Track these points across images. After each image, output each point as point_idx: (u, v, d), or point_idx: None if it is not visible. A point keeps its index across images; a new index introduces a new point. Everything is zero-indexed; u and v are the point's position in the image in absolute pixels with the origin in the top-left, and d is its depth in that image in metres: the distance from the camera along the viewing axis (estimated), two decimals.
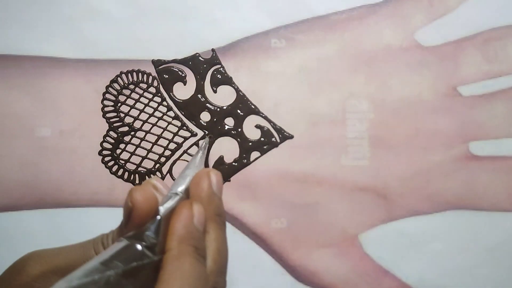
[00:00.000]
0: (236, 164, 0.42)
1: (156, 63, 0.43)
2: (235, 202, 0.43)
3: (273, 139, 0.43)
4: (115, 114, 0.42)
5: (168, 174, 0.42)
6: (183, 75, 0.42)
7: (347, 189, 0.44)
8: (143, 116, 0.42)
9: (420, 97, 0.43)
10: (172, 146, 0.42)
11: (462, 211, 0.45)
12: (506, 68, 0.44)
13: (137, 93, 0.42)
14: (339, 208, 0.44)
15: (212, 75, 0.42)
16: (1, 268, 0.26)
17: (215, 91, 0.42)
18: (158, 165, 0.42)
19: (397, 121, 0.43)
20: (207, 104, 0.42)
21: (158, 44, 0.44)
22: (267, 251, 0.46)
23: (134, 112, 0.42)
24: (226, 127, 0.42)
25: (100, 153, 0.41)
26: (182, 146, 0.42)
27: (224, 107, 0.42)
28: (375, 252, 0.46)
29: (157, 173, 0.42)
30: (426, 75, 0.43)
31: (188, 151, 0.42)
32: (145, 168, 0.42)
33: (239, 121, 0.42)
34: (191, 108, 0.42)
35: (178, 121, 0.42)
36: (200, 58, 0.43)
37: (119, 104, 0.42)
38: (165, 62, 0.43)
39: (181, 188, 0.26)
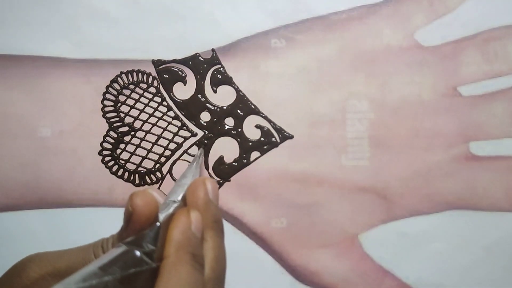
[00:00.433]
0: (236, 164, 0.42)
1: (156, 63, 0.43)
2: (235, 202, 0.43)
3: (273, 139, 0.43)
4: (115, 114, 0.42)
5: (168, 174, 0.42)
6: (183, 75, 0.42)
7: (347, 189, 0.44)
8: (143, 116, 0.42)
9: (420, 97, 0.43)
10: (172, 146, 0.42)
11: (462, 211, 0.45)
12: (506, 68, 0.44)
13: (137, 93, 0.42)
14: (339, 208, 0.44)
15: (212, 75, 0.42)
16: (1, 267, 0.26)
17: (215, 91, 0.42)
18: (158, 165, 0.42)
19: (397, 121, 0.43)
20: (207, 104, 0.42)
21: (158, 44, 0.44)
22: (267, 251, 0.46)
23: (134, 112, 0.42)
24: (226, 127, 0.42)
25: (100, 153, 0.41)
26: (182, 146, 0.42)
27: (224, 107, 0.42)
28: (375, 252, 0.46)
29: (157, 173, 0.42)
30: (426, 75, 0.43)
31: (188, 151, 0.42)
32: (145, 168, 0.42)
33: (239, 121, 0.42)
34: (191, 108, 0.42)
35: (178, 121, 0.42)
36: (200, 58, 0.43)
37: (119, 104, 0.42)
38: (165, 62, 0.43)
39: (178, 196, 0.26)
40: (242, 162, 0.43)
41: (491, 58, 0.44)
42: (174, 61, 0.44)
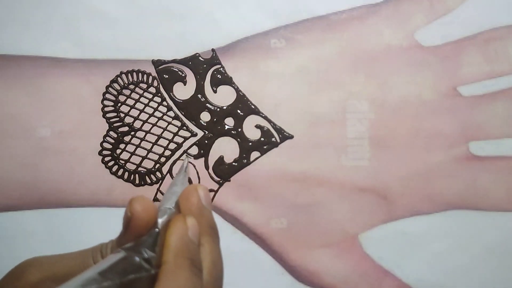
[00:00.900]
0: (236, 164, 0.42)
1: (156, 63, 0.42)
2: (235, 202, 0.43)
3: (273, 139, 0.43)
4: (115, 114, 0.41)
5: (168, 174, 0.42)
6: (183, 75, 0.42)
7: (347, 189, 0.44)
8: (143, 116, 0.42)
9: (421, 97, 0.43)
10: (172, 146, 0.42)
11: (462, 211, 0.45)
12: (506, 68, 0.44)
13: (137, 93, 0.42)
14: (339, 208, 0.44)
15: (212, 75, 0.42)
16: (0, 268, 0.26)
17: (215, 91, 0.42)
18: (158, 165, 0.42)
19: (397, 121, 0.43)
20: (207, 104, 0.42)
21: (158, 44, 0.44)
22: (267, 251, 0.46)
23: (134, 112, 0.42)
24: (226, 127, 0.42)
25: (100, 153, 0.41)
26: (182, 146, 0.42)
27: (224, 107, 0.42)
28: (375, 252, 0.46)
29: (157, 173, 0.42)
30: (427, 75, 0.43)
31: (188, 151, 0.42)
32: (145, 168, 0.42)
33: (239, 121, 0.42)
34: (191, 108, 0.42)
35: (178, 121, 0.42)
36: (200, 58, 0.43)
37: (119, 104, 0.42)
38: (165, 62, 0.43)
39: (172, 204, 0.26)
40: (242, 162, 0.43)
41: (491, 58, 0.44)
42: (174, 61, 0.44)
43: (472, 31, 0.45)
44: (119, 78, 0.42)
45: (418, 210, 0.45)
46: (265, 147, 0.43)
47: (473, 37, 0.44)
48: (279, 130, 0.43)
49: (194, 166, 0.42)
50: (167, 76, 0.43)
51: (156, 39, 0.45)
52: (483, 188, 0.44)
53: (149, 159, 0.42)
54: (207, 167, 0.43)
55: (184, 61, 0.43)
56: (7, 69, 0.42)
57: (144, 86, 0.43)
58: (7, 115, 0.41)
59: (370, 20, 0.44)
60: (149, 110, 0.42)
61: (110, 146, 0.42)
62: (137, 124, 0.42)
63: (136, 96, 0.42)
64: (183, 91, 0.42)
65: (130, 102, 0.42)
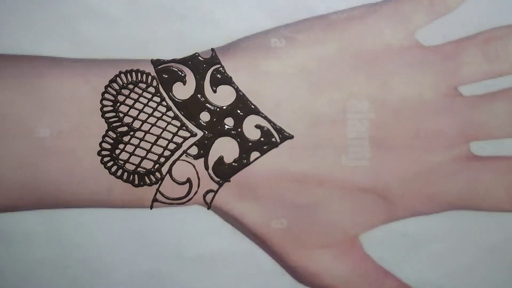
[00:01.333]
0: (236, 164, 0.42)
1: (155, 62, 0.42)
2: (235, 202, 0.43)
3: (273, 139, 0.42)
4: (114, 114, 0.41)
5: (168, 174, 0.42)
6: (182, 74, 0.42)
7: (347, 189, 0.43)
8: (142, 116, 0.42)
9: (421, 97, 0.43)
10: (171, 146, 0.42)
11: (463, 212, 0.45)
12: (507, 67, 0.44)
13: (136, 93, 0.42)
14: (340, 208, 0.44)
15: (212, 75, 0.42)
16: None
17: (214, 91, 0.42)
18: (157, 165, 0.42)
19: (397, 121, 0.43)
20: (206, 104, 0.42)
21: (157, 43, 0.44)
22: (267, 252, 0.46)
23: (133, 112, 0.42)
24: (226, 127, 0.42)
25: (99, 153, 0.41)
26: (181, 146, 0.42)
27: (224, 107, 0.42)
28: (376, 253, 0.46)
29: (157, 173, 0.42)
30: (427, 75, 0.43)
31: (188, 151, 0.42)
32: (144, 168, 0.42)
33: (239, 121, 0.42)
34: (191, 108, 0.42)
35: (177, 121, 0.42)
36: (199, 57, 0.42)
37: (118, 104, 0.41)
38: (164, 61, 0.42)
39: None
40: (242, 162, 0.43)
41: (492, 57, 0.43)
42: (174, 60, 0.44)
43: (472, 31, 0.45)
44: (118, 78, 0.42)
45: (419, 211, 0.44)
46: (265, 147, 0.43)
47: (474, 37, 0.44)
48: (279, 130, 0.43)
49: (194, 166, 0.42)
50: (166, 76, 0.42)
51: (156, 38, 0.44)
52: (484, 188, 0.44)
53: (148, 159, 0.42)
54: (206, 167, 0.43)
55: (183, 61, 0.43)
56: (5, 68, 0.42)
57: (143, 86, 0.42)
58: (5, 116, 0.40)
59: (371, 19, 0.43)
60: (148, 110, 0.42)
61: (109, 146, 0.42)
62: (136, 124, 0.42)
63: (135, 96, 0.42)
64: (183, 91, 0.42)
65: (129, 102, 0.42)
